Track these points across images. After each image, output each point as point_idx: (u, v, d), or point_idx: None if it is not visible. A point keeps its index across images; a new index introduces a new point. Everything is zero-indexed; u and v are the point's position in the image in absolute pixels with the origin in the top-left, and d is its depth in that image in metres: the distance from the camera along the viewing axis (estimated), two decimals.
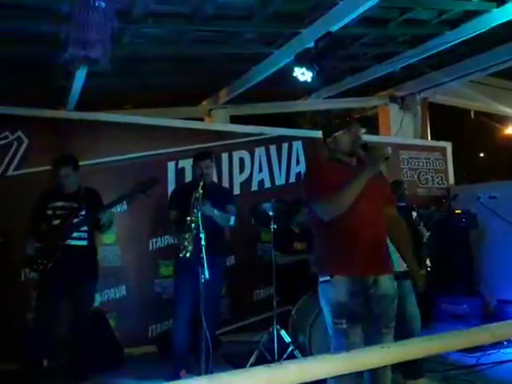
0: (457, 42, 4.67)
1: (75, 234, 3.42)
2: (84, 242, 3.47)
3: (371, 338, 2.31)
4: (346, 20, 3.82)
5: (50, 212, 3.44)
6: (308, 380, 1.36)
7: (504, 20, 4.26)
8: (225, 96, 6.03)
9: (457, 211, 5.56)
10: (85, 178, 4.18)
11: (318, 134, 5.51)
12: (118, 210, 4.54)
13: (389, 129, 6.93)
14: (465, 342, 1.80)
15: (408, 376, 3.40)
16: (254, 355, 3.77)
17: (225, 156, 5.06)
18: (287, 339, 3.79)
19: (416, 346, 1.64)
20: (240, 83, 5.55)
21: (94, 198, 3.58)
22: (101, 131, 4.56)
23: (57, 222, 3.41)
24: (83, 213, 3.44)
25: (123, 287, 4.50)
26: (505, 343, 4.19)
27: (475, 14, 4.39)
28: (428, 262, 3.37)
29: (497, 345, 4.10)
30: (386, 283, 2.37)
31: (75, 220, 3.41)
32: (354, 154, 2.41)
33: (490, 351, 4.06)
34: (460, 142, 7.74)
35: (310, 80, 4.20)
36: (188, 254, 3.12)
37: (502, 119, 8.22)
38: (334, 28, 3.88)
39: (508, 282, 5.13)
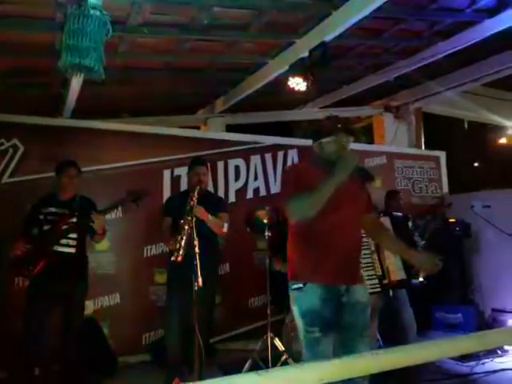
0: (449, 52, 4.73)
1: (63, 241, 3.37)
2: (72, 250, 3.40)
3: (346, 347, 2.27)
4: (340, 30, 3.87)
5: (41, 217, 3.42)
6: None
7: (496, 30, 4.32)
8: (221, 105, 6.08)
9: (451, 220, 5.59)
10: (80, 186, 4.22)
11: None
12: (113, 216, 4.56)
13: (383, 138, 6.99)
14: (457, 349, 1.79)
15: None
16: (247, 363, 3.76)
17: (220, 164, 5.08)
18: (281, 347, 3.78)
19: (407, 353, 1.63)
20: (236, 92, 5.60)
21: (89, 206, 3.55)
22: (97, 139, 4.57)
23: (47, 227, 3.39)
24: (74, 220, 3.40)
25: (117, 295, 4.49)
26: (499, 352, 4.20)
27: (468, 24, 4.46)
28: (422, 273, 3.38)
29: (490, 354, 4.13)
30: (359, 292, 2.36)
31: (64, 226, 3.38)
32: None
33: (484, 360, 4.07)
34: (454, 151, 7.78)
35: (304, 89, 4.24)
36: (180, 258, 3.12)
37: (495, 129, 8.29)
38: (328, 38, 3.93)
39: (502, 291, 5.14)
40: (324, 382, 1.60)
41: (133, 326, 4.49)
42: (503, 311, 5.00)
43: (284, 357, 3.72)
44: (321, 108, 6.69)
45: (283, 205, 2.34)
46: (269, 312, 3.89)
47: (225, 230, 3.67)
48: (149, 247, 4.68)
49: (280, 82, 4.70)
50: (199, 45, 4.22)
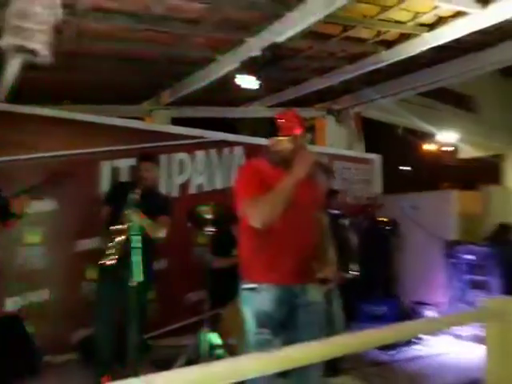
0: (391, 61, 4.99)
1: None
2: None
3: None
4: (291, 32, 3.94)
5: None
6: (237, 379, 1.37)
7: (434, 45, 4.61)
8: (167, 97, 5.97)
9: (381, 219, 5.92)
10: (12, 174, 3.98)
11: (259, 140, 5.62)
12: (48, 209, 4.34)
13: (324, 140, 7.22)
14: (383, 339, 1.94)
15: (328, 374, 3.54)
16: (181, 358, 3.71)
17: (164, 157, 4.97)
18: (217, 342, 3.80)
19: (343, 343, 1.70)
20: (183, 86, 5.53)
21: None
22: (34, 126, 4.30)
23: None
24: None
25: (46, 291, 4.26)
26: (415, 341, 4.57)
27: (409, 36, 4.73)
28: (356, 268, 3.58)
29: (409, 343, 4.52)
30: (313, 291, 2.31)
31: None
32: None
33: (404, 348, 4.43)
34: (389, 155, 8.21)
35: (252, 88, 4.28)
36: (108, 263, 3.07)
37: (425, 136, 8.91)
38: (280, 39, 3.99)
39: (421, 286, 5.60)
40: (265, 372, 1.64)
41: (62, 323, 4.25)
42: (421, 303, 5.45)
43: (220, 351, 3.75)
44: (268, 107, 6.78)
45: (238, 205, 2.26)
46: (205, 307, 3.86)
47: (160, 234, 3.47)
48: (82, 242, 4.47)
49: (229, 78, 4.71)
50: (150, 35, 4.12)
